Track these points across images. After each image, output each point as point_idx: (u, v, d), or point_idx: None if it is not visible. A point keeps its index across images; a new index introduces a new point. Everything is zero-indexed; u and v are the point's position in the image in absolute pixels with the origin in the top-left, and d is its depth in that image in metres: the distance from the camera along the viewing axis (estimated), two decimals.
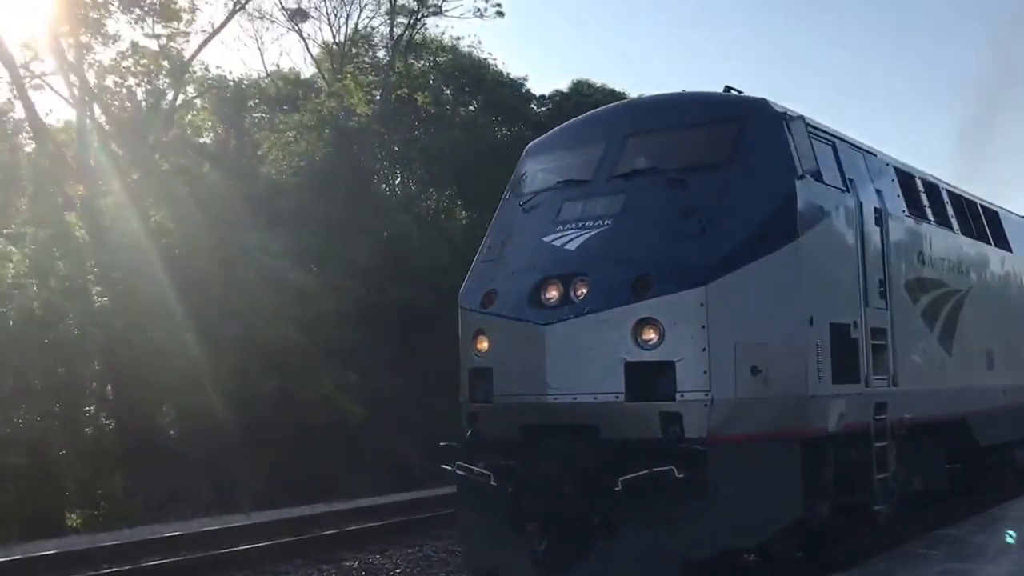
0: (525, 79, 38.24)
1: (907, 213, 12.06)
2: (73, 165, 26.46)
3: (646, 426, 8.68)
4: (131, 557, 13.73)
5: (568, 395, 9.03)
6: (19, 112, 26.97)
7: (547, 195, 10.52)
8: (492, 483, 9.25)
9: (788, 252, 9.44)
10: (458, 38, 37.53)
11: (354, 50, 37.26)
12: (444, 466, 10.03)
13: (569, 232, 9.71)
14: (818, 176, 10.08)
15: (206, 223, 26.45)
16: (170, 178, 28.17)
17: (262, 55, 49.65)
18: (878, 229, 11.09)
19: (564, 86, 38.22)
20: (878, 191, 11.40)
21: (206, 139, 34.42)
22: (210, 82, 32.59)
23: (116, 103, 27.99)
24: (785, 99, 10.48)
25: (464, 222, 34.95)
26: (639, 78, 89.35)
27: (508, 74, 37.79)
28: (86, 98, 26.46)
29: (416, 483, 22.32)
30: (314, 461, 23.27)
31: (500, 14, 35.47)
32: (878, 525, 10.73)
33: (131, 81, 27.64)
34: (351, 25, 37.08)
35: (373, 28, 37.37)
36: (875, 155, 11.94)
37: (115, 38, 26.69)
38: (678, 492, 8.39)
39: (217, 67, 43.07)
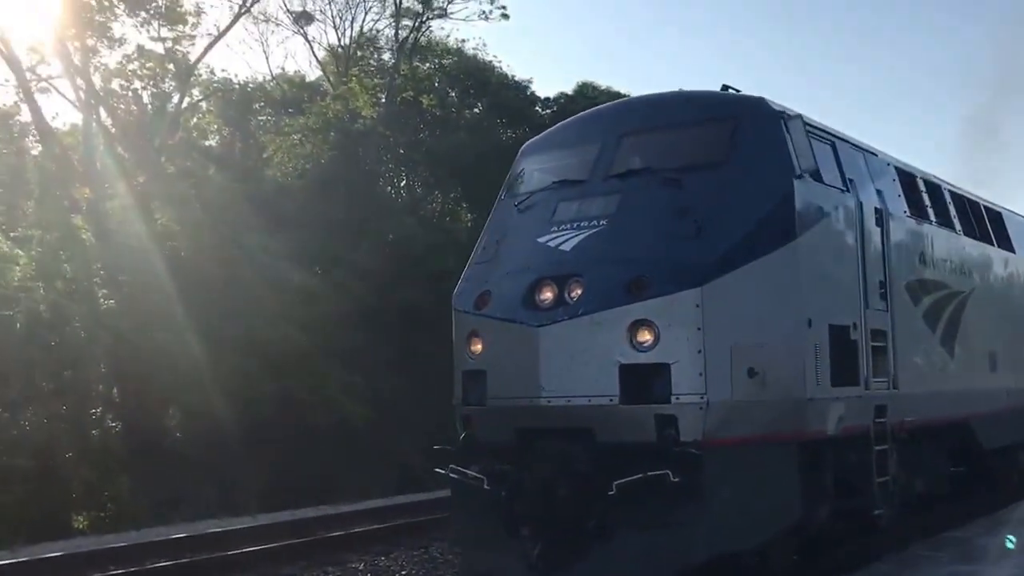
0: (530, 81, 38.24)
1: (908, 213, 11.87)
2: (79, 168, 26.52)
3: (641, 429, 8.52)
4: (137, 559, 13.64)
5: (562, 398, 8.87)
6: (26, 115, 27.13)
7: (542, 195, 10.34)
8: (485, 487, 9.10)
9: (786, 253, 9.28)
10: (463, 41, 37.62)
11: (359, 53, 37.24)
12: (438, 469, 9.84)
13: (564, 232, 9.54)
14: (817, 176, 9.90)
15: (211, 226, 26.53)
16: (176, 181, 28.27)
17: (267, 58, 49.84)
18: (879, 230, 10.90)
19: (569, 88, 38.22)
20: (879, 191, 11.21)
21: (211, 142, 34.53)
22: (215, 85, 32.67)
23: (122, 106, 28.09)
24: (794, 104, 10.36)
25: (469, 224, 34.81)
26: (644, 80, 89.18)
27: (513, 76, 37.77)
28: (92, 101, 26.52)
29: (418, 484, 22.34)
30: (317, 462, 23.30)
31: (505, 16, 35.53)
32: (878, 529, 10.57)
33: (137, 84, 27.84)
34: (356, 28, 37.16)
35: (378, 31, 37.42)
36: (876, 155, 11.76)
37: (121, 41, 26.88)
38: (673, 496, 8.25)
39: (222, 70, 43.20)
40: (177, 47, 27.84)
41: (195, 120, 32.96)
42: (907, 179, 12.29)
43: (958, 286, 12.95)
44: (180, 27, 27.54)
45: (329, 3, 36.70)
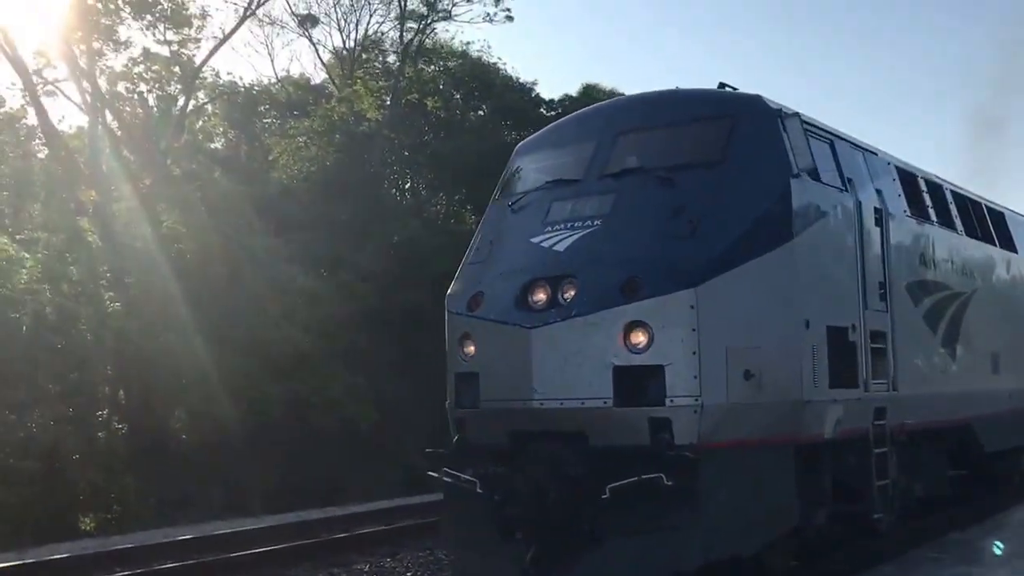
0: (535, 83, 38.22)
1: (909, 213, 11.70)
2: (85, 171, 26.45)
3: (635, 432, 8.36)
4: (143, 560, 13.68)
5: (555, 400, 8.70)
6: (32, 118, 27.19)
7: (536, 195, 10.18)
8: (478, 490, 8.95)
9: (782, 253, 9.12)
10: (468, 43, 37.58)
11: (364, 55, 37.21)
12: (431, 473, 9.69)
13: (558, 233, 9.38)
14: (815, 175, 9.75)
15: (217, 228, 26.49)
16: (181, 183, 28.17)
17: (272, 61, 49.97)
18: (878, 230, 10.73)
19: (573, 90, 38.22)
20: (878, 191, 11.04)
21: (217, 145, 34.57)
22: (221, 88, 32.58)
23: (128, 109, 28.04)
24: (798, 106, 10.15)
25: (473, 226, 34.88)
26: (648, 82, 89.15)
27: (518, 79, 37.72)
28: (98, 104, 26.41)
29: (423, 485, 22.32)
30: (322, 463, 23.33)
31: (510, 18, 35.54)
32: (878, 533, 10.43)
33: (142, 87, 27.75)
34: (361, 30, 37.16)
35: (383, 33, 37.43)
36: (876, 154, 11.58)
37: (127, 44, 26.83)
38: (667, 500, 8.08)
39: (228, 73, 43.33)
40: (182, 50, 27.81)
41: (200, 123, 32.84)
42: (908, 178, 12.13)
43: (960, 287, 12.77)
44: (185, 30, 27.48)
45: (334, 6, 36.86)
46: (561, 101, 37.50)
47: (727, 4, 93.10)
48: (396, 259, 29.46)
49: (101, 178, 26.21)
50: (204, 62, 29.39)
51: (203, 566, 13.41)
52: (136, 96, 27.90)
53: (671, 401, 8.31)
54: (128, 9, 26.37)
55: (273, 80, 38.74)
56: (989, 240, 14.29)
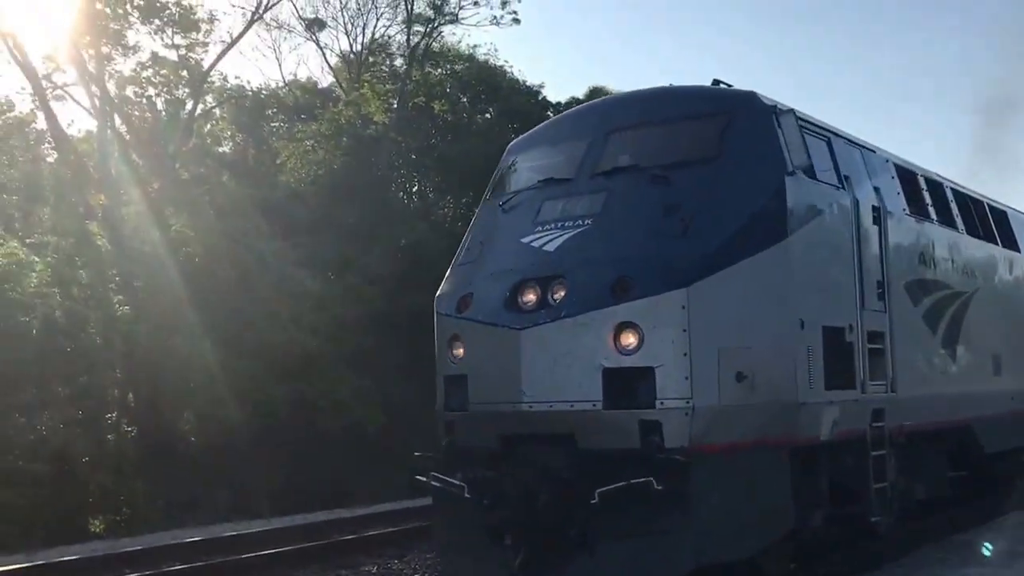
0: (541, 86, 38.18)
1: (908, 212, 11.45)
2: (94, 175, 26.46)
3: (625, 435, 8.16)
4: (152, 562, 13.70)
5: (544, 403, 8.52)
6: (42, 123, 27.13)
7: (528, 194, 9.98)
8: (466, 495, 8.77)
9: (776, 252, 8.91)
10: (475, 46, 37.56)
11: (371, 59, 37.14)
12: (419, 477, 9.54)
13: (548, 233, 9.19)
14: (810, 172, 9.55)
15: (225, 231, 26.50)
16: (189, 187, 28.19)
17: (280, 65, 50.05)
18: (876, 228, 10.50)
19: (580, 92, 38.28)
20: (876, 189, 10.80)
21: (225, 148, 34.59)
22: (229, 92, 32.61)
23: (136, 113, 28.01)
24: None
25: None
26: (656, 84, 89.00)
27: (524, 82, 37.70)
28: (107, 108, 26.47)
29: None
30: (329, 466, 23.38)
31: (516, 21, 35.48)
32: (877, 536, 10.21)
33: (151, 91, 27.74)
34: (368, 34, 37.15)
35: (390, 37, 37.35)
36: (874, 151, 11.35)
37: (135, 49, 26.82)
38: (658, 504, 7.90)
39: (236, 77, 43.55)
40: (191, 54, 27.83)
41: (209, 127, 32.93)
42: (907, 176, 11.89)
43: (960, 286, 12.54)
44: (193, 34, 27.50)
45: (341, 9, 36.86)
46: (568, 104, 37.49)
47: (737, 6, 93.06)
48: (403, 262, 29.49)
49: (110, 182, 26.23)
50: (212, 66, 29.45)
51: (211, 568, 13.43)
52: (145, 100, 27.94)
53: (662, 403, 8.12)
54: (136, 14, 26.39)
55: (280, 84, 38.70)
56: (991, 239, 14.06)
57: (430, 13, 35.04)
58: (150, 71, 27.39)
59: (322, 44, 38.50)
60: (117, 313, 24.27)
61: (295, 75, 40.24)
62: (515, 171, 10.80)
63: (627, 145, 9.76)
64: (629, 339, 8.26)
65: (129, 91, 27.56)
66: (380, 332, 27.11)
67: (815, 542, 9.75)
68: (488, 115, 37.39)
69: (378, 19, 36.79)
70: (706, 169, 9.08)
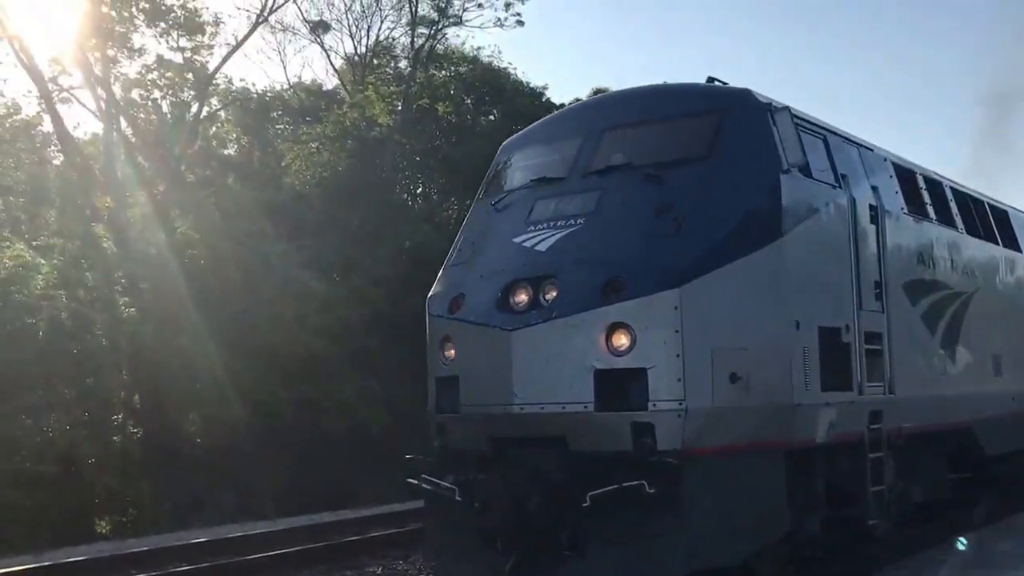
0: (545, 88, 38.02)
1: (906, 211, 11.26)
2: (100, 177, 26.47)
3: (617, 437, 8.00)
4: (158, 563, 13.78)
5: (535, 405, 8.36)
6: (48, 125, 27.16)
7: (520, 194, 9.82)
8: (457, 498, 8.64)
9: (771, 251, 8.75)
10: (479, 48, 37.50)
11: (375, 61, 37.09)
12: (410, 480, 9.38)
13: (540, 232, 9.03)
14: (806, 171, 9.36)
15: (230, 234, 26.49)
16: (195, 190, 28.20)
17: (284, 67, 50.06)
18: (873, 228, 10.33)
19: (584, 94, 38.32)
20: (874, 187, 10.62)
21: (230, 151, 34.54)
22: (234, 94, 32.53)
23: (142, 116, 28.05)
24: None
25: None
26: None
27: (528, 83, 37.52)
28: (112, 111, 26.42)
29: None
30: (334, 467, 23.45)
31: (520, 23, 35.49)
32: (876, 539, 10.05)
33: (156, 94, 27.80)
34: (372, 36, 37.13)
35: (394, 39, 37.34)
36: (872, 150, 11.15)
37: (141, 52, 26.82)
38: (650, 508, 7.74)
39: (240, 79, 43.36)
40: (196, 57, 27.84)
41: (214, 129, 32.95)
42: (905, 175, 11.70)
43: (960, 287, 12.35)
44: (199, 37, 27.50)
45: (346, 12, 36.81)
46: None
47: (742, 6, 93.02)
48: (407, 263, 29.50)
49: (116, 184, 26.21)
50: (217, 69, 29.44)
51: (217, 569, 13.52)
52: (150, 103, 27.97)
53: (654, 405, 7.97)
54: (142, 17, 26.38)
55: (285, 86, 38.72)
56: (991, 239, 13.88)
57: (434, 15, 35.05)
58: (155, 74, 27.40)
59: (327, 47, 38.49)
60: (123, 315, 24.29)
61: (300, 78, 40.33)
62: (508, 170, 10.66)
63: (621, 143, 9.62)
64: (621, 340, 8.12)
65: (135, 94, 27.62)
66: (384, 333, 27.15)
67: (813, 546, 9.60)
68: (492, 117, 37.36)
69: (382, 21, 36.79)
70: (700, 167, 8.94)
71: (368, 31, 37.12)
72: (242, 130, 34.28)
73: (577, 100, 37.29)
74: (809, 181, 9.46)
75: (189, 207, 27.33)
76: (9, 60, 25.25)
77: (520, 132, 11.44)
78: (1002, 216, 14.80)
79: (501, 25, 35.48)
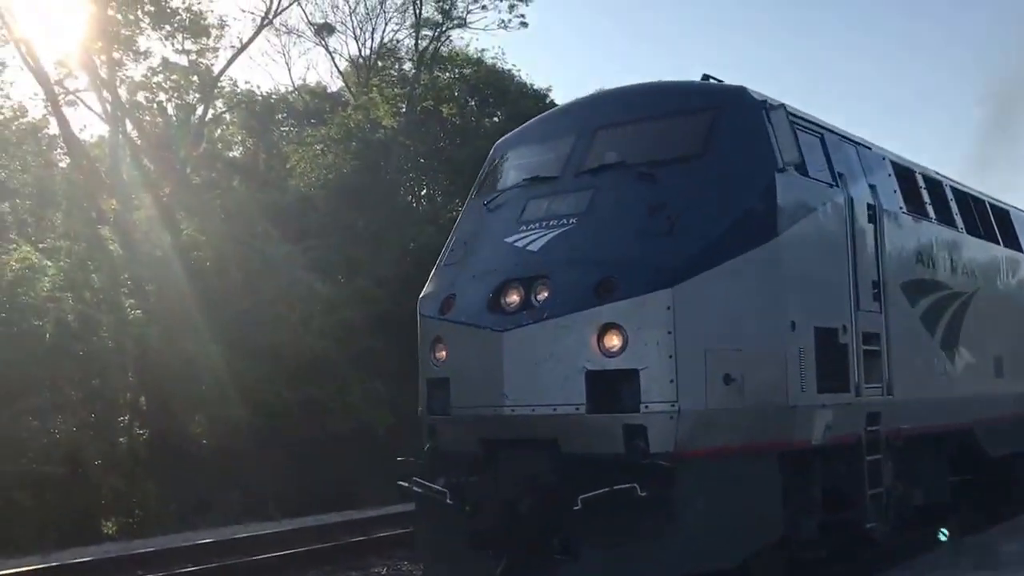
0: (549, 90, 37.79)
1: (905, 210, 11.10)
2: (106, 180, 26.48)
3: (609, 440, 7.86)
4: (165, 564, 13.86)
5: (526, 407, 8.23)
6: (54, 128, 27.16)
7: (513, 193, 9.69)
8: (448, 501, 8.52)
9: (766, 251, 8.60)
10: (482, 50, 37.27)
11: (380, 63, 36.96)
12: (400, 483, 9.24)
13: (533, 232, 8.91)
14: (802, 169, 9.20)
15: (235, 235, 26.49)
16: (200, 192, 28.16)
17: (289, 69, 49.72)
18: (871, 227, 10.17)
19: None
20: (872, 186, 10.46)
21: (235, 153, 34.41)
22: (239, 97, 32.43)
23: (147, 118, 28.02)
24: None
25: None
26: None
27: (532, 85, 37.33)
28: (118, 114, 26.47)
29: None
30: (340, 467, 23.50)
31: (524, 25, 35.16)
32: (875, 543, 9.91)
33: (162, 97, 27.79)
34: (377, 39, 37.05)
35: (399, 41, 37.22)
36: (870, 148, 10.99)
37: (146, 54, 26.82)
38: (642, 510, 7.60)
39: (246, 82, 43.59)
40: (201, 60, 27.81)
41: (219, 131, 32.87)
42: (904, 174, 11.55)
43: (960, 287, 12.19)
44: (204, 40, 27.49)
45: (350, 15, 36.79)
46: None
47: (746, 6, 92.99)
48: (412, 265, 29.52)
49: (122, 187, 26.22)
50: (222, 71, 29.44)
51: (223, 569, 13.61)
52: (155, 105, 27.93)
53: (646, 407, 7.84)
54: (147, 20, 26.36)
55: (290, 88, 38.65)
56: (992, 238, 13.71)
57: (438, 18, 34.85)
58: (161, 76, 27.39)
59: (331, 49, 38.37)
60: (129, 317, 24.27)
61: (304, 80, 40.25)
62: (502, 169, 10.53)
63: (614, 142, 9.47)
64: (613, 341, 7.99)
65: (140, 96, 27.61)
66: (388, 334, 27.15)
67: (811, 549, 9.45)
68: (496, 118, 37.29)
69: (387, 24, 36.68)
70: (694, 166, 8.81)
71: (372, 33, 37.12)
72: (247, 132, 34.20)
73: None
74: (805, 180, 9.33)
75: (194, 209, 27.32)
76: (16, 63, 25.37)
77: (514, 131, 11.29)
78: (1003, 215, 14.64)
79: (505, 27, 35.33)
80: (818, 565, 9.75)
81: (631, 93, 10.25)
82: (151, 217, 26.20)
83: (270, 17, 30.98)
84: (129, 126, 27.41)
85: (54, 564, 14.01)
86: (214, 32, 28.01)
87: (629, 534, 7.76)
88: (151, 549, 15.16)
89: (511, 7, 34.96)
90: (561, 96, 38.31)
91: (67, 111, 26.45)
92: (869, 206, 10.29)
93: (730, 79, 10.11)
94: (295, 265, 26.47)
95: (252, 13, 31.35)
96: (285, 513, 20.18)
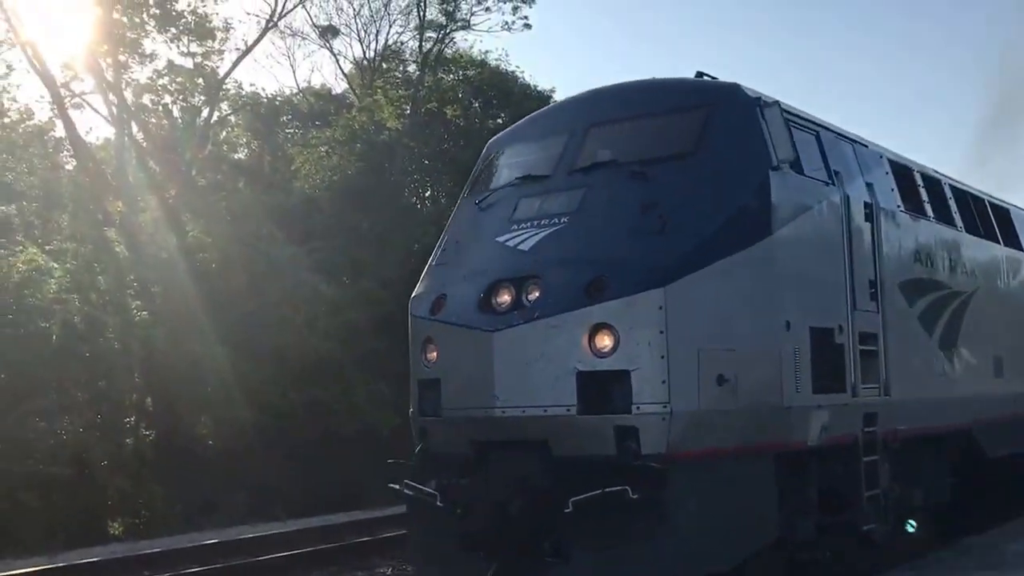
0: (552, 91, 37.68)
1: (903, 209, 10.96)
2: (112, 182, 26.44)
3: (600, 441, 7.73)
4: (171, 564, 13.97)
5: (517, 408, 8.09)
6: (60, 131, 27.22)
7: (504, 192, 9.56)
8: (438, 503, 8.40)
9: (760, 250, 8.47)
10: (486, 52, 37.24)
11: (384, 65, 36.93)
12: (391, 485, 9.14)
13: (524, 231, 8.79)
14: (797, 167, 9.06)
15: (241, 237, 26.49)
16: (206, 194, 28.21)
17: (294, 72, 50.06)
18: (868, 225, 10.03)
19: None
20: (869, 184, 10.32)
21: (240, 155, 34.47)
22: (244, 99, 32.49)
23: (153, 121, 28.02)
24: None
25: None
26: None
27: (536, 87, 37.26)
28: (124, 116, 26.43)
29: None
30: (345, 468, 23.54)
31: (527, 26, 35.17)
32: (874, 544, 9.76)
33: (167, 99, 27.76)
34: (381, 41, 36.98)
35: (403, 43, 37.18)
36: (866, 146, 10.84)
37: (152, 57, 26.83)
38: (633, 514, 7.45)
39: (251, 84, 43.54)
40: (206, 62, 27.81)
41: (224, 133, 32.93)
42: (902, 172, 11.40)
43: (959, 286, 12.03)
44: (209, 42, 27.51)
45: (354, 17, 36.68)
46: None
47: (747, 6, 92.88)
48: (416, 266, 29.65)
49: (127, 189, 26.20)
50: (227, 74, 29.44)
51: (229, 570, 13.68)
52: (161, 108, 27.90)
53: (638, 408, 7.70)
54: (153, 23, 26.38)
55: (295, 91, 38.66)
56: (992, 237, 13.55)
57: (442, 20, 34.81)
58: (166, 79, 27.39)
59: (336, 51, 38.47)
60: (135, 318, 24.29)
61: (309, 82, 40.24)
62: (495, 167, 10.40)
63: (607, 140, 9.34)
64: (604, 341, 7.85)
65: (146, 99, 27.58)
66: (392, 335, 27.13)
67: (810, 551, 9.38)
68: (500, 120, 37.25)
69: (391, 26, 36.63)
70: (686, 164, 8.67)
71: (377, 36, 37.04)
72: (252, 134, 34.25)
73: None
74: (800, 178, 9.19)
75: (200, 211, 27.34)
76: (22, 66, 25.37)
77: (507, 129, 11.18)
78: (1003, 214, 14.48)
79: (509, 29, 35.34)
80: (818, 567, 9.66)
81: (624, 90, 10.09)
82: (157, 219, 26.20)
83: (275, 20, 30.91)
84: (135, 128, 27.37)
85: (61, 565, 14.14)
86: (219, 35, 28.01)
87: (620, 537, 7.64)
88: (157, 550, 15.35)
89: (515, 9, 34.97)
90: (564, 97, 38.25)
91: (73, 114, 26.52)
92: (866, 204, 10.16)
93: (731, 79, 9.97)
94: (300, 267, 26.49)
95: (257, 16, 31.43)
96: (290, 514, 20.23)
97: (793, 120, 9.44)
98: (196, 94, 28.52)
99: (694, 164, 8.67)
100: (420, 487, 8.66)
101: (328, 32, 36.48)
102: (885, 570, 10.25)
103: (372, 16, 36.51)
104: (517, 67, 38.49)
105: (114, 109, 26.50)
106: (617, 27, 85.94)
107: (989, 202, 14.13)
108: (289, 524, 18.12)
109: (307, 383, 24.56)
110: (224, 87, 30.06)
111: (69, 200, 26.38)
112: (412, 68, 36.87)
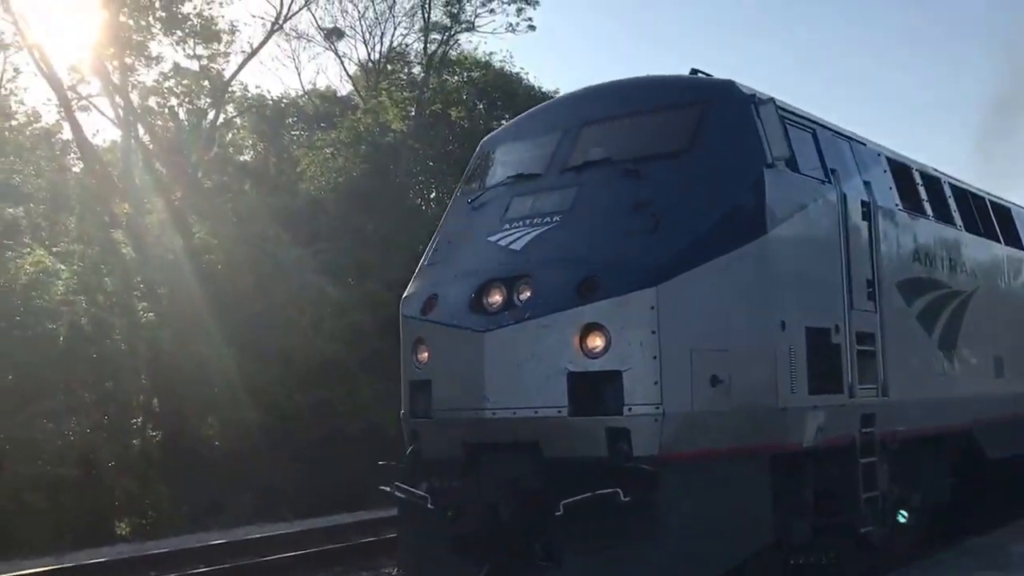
0: (556, 92, 38.04)
1: (901, 207, 10.78)
2: (119, 184, 26.53)
3: (592, 443, 7.58)
4: (178, 565, 13.99)
5: (508, 409, 7.96)
6: (67, 133, 27.34)
7: (497, 191, 9.42)
8: (429, 506, 8.28)
9: (754, 249, 8.32)
10: (491, 53, 37.17)
11: (389, 67, 36.88)
12: (383, 487, 9.08)
13: (516, 230, 8.65)
14: (793, 165, 8.91)
15: (246, 239, 26.48)
16: (212, 196, 28.21)
17: (299, 74, 50.08)
18: (865, 224, 9.86)
19: None
20: (866, 183, 10.16)
21: (246, 157, 34.46)
22: (249, 101, 32.52)
23: (159, 123, 28.06)
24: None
25: None
26: None
27: (540, 88, 37.04)
28: (130, 119, 26.54)
29: None
30: (351, 468, 23.59)
31: (532, 28, 35.21)
32: (873, 547, 9.61)
33: (173, 101, 27.81)
34: (386, 43, 36.90)
35: (407, 45, 37.07)
36: (864, 144, 10.67)
37: (158, 60, 26.87)
38: (626, 516, 7.33)
39: (256, 86, 43.52)
40: (212, 64, 27.86)
41: (230, 136, 32.94)
42: (900, 170, 11.21)
43: (959, 286, 11.86)
44: (215, 45, 27.60)
45: (359, 19, 36.62)
46: None
47: (749, 6, 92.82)
48: None
49: (134, 191, 26.28)
50: (233, 76, 29.50)
51: (236, 570, 13.72)
52: (167, 110, 27.95)
53: (629, 409, 7.56)
54: (159, 25, 26.43)
55: (300, 93, 38.64)
56: (992, 236, 13.37)
57: (447, 21, 34.76)
58: (172, 81, 27.40)
59: (341, 53, 38.28)
60: (141, 320, 24.32)
61: (314, 84, 40.35)
62: (488, 166, 10.25)
63: (600, 138, 9.21)
64: (596, 341, 7.71)
65: (152, 101, 27.61)
66: (397, 336, 27.32)
67: (808, 554, 9.26)
68: (504, 121, 37.42)
69: (395, 28, 36.52)
70: (680, 162, 8.52)
71: (382, 38, 36.95)
72: (258, 136, 34.23)
73: None
74: (796, 176, 9.03)
75: (206, 213, 27.35)
76: (29, 69, 25.54)
77: (501, 127, 10.96)
78: (1004, 213, 14.30)
79: (513, 30, 35.36)
80: (815, 570, 9.53)
81: (618, 87, 9.94)
82: (163, 221, 26.24)
83: (280, 22, 30.93)
84: (141, 131, 27.45)
85: (68, 565, 14.16)
86: (225, 37, 28.13)
87: (612, 539, 7.50)
88: (164, 550, 15.31)
89: (519, 10, 34.97)
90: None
91: (80, 116, 26.63)
92: (863, 203, 9.99)
93: (735, 78, 9.77)
94: (305, 268, 26.52)
95: (262, 18, 31.39)
96: (296, 514, 20.25)
97: (789, 117, 9.30)
98: (202, 96, 28.58)
99: (688, 162, 8.53)
100: (411, 489, 8.57)
101: (333, 34, 36.48)
102: (883, 572, 10.11)
103: (377, 18, 36.47)
104: (521, 68, 38.45)
105: (120, 111, 26.61)
106: (621, 28, 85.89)
107: (990, 200, 13.96)
108: (295, 524, 18.15)
109: (313, 384, 24.58)
110: (230, 89, 30.13)
111: (76, 202, 26.41)
112: (417, 70, 36.80)
